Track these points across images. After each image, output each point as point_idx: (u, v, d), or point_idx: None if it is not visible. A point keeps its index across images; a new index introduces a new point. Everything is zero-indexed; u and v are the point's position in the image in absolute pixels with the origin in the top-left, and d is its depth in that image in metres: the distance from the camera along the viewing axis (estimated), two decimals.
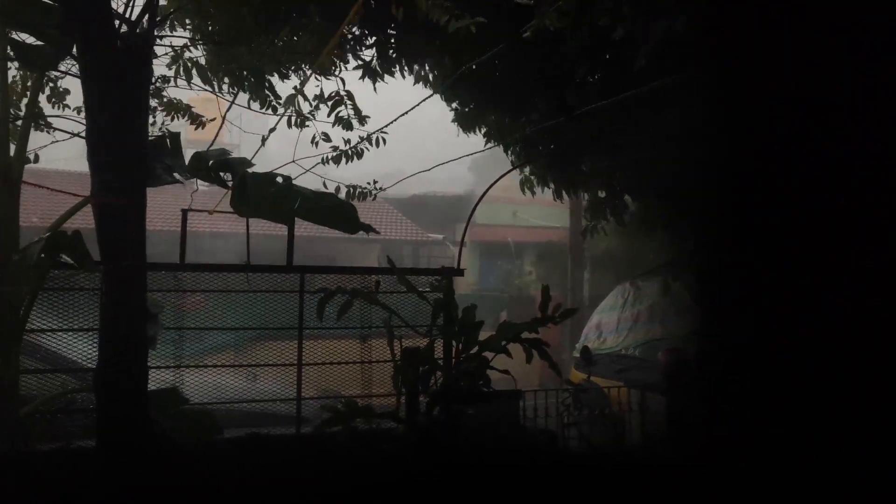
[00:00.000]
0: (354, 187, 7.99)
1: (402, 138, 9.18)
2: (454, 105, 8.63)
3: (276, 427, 5.96)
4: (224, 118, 6.14)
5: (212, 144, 5.81)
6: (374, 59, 7.30)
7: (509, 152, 8.85)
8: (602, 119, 6.59)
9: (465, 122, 8.69)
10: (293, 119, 6.45)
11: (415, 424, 5.45)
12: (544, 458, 6.43)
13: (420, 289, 6.06)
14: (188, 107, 6.59)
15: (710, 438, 6.39)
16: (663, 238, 9.35)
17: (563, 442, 6.93)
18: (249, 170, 5.21)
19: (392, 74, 7.54)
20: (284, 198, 5.21)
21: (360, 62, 7.33)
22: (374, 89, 7.48)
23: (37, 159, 5.48)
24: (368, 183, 8.09)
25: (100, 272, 3.99)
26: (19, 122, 5.04)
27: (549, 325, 5.86)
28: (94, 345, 4.40)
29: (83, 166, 3.99)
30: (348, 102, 6.67)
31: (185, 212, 5.96)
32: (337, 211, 5.56)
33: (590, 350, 8.22)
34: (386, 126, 7.33)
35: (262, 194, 5.10)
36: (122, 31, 3.90)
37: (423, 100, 7.11)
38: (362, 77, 7.42)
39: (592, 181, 8.99)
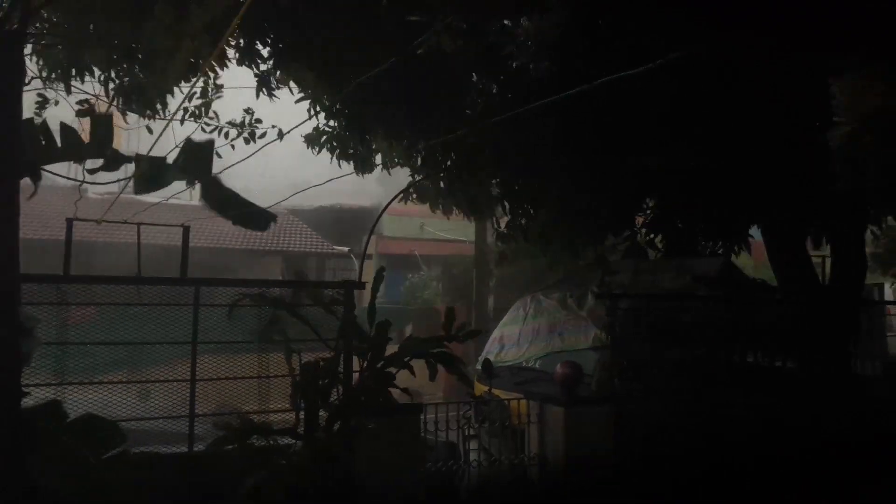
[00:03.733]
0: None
1: (306, 149, 9.04)
2: (329, 126, 8.53)
3: (168, 445, 5.71)
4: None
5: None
6: (269, 68, 7.16)
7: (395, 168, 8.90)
8: (498, 133, 6.70)
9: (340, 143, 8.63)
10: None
11: (313, 440, 5.35)
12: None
13: (322, 302, 5.98)
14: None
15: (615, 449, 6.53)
16: (560, 253, 9.59)
17: (464, 454, 6.96)
18: None
19: (285, 85, 7.44)
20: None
21: (256, 74, 7.20)
22: (270, 98, 7.35)
23: None
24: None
25: None
26: None
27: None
28: None
29: None
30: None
31: (70, 220, 5.65)
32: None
33: (491, 362, 8.28)
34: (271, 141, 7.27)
35: None
36: None
37: (315, 114, 7.03)
38: (258, 92, 7.31)
39: (494, 200, 9.13)
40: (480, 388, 8.12)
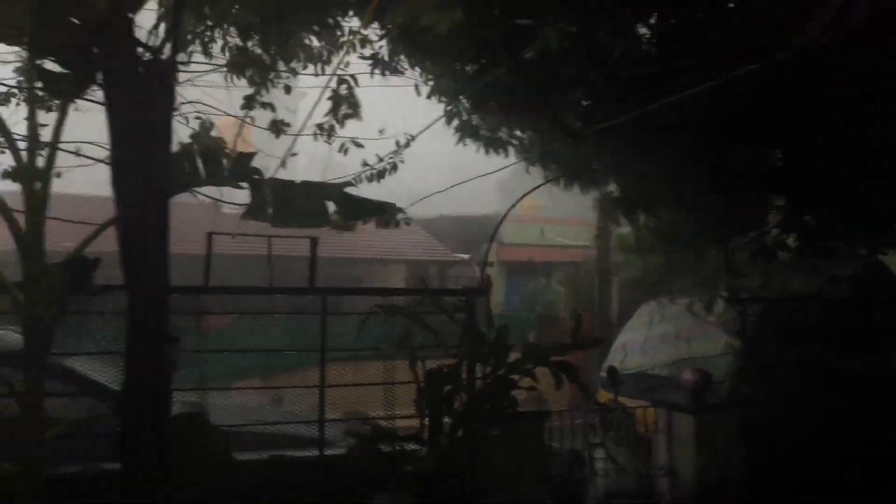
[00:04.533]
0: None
1: (427, 154, 9.14)
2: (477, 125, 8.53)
3: (299, 449, 5.94)
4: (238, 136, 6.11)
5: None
6: (383, 49, 7.21)
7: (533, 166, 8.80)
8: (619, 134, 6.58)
9: (490, 143, 8.62)
10: (316, 133, 6.51)
11: (437, 446, 5.42)
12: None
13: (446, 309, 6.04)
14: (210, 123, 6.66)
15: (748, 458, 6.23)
16: (682, 256, 9.27)
17: (589, 462, 6.84)
18: None
19: (398, 70, 7.47)
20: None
21: (371, 55, 7.27)
22: (383, 74, 7.40)
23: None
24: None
25: (119, 295, 4.03)
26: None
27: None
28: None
29: (103, 190, 4.05)
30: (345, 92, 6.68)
31: (210, 234, 6.01)
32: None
33: (616, 370, 8.11)
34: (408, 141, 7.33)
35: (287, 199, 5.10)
36: (145, 57, 3.96)
37: (443, 116, 7.08)
38: (372, 70, 7.32)
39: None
40: (605, 396, 7.96)
